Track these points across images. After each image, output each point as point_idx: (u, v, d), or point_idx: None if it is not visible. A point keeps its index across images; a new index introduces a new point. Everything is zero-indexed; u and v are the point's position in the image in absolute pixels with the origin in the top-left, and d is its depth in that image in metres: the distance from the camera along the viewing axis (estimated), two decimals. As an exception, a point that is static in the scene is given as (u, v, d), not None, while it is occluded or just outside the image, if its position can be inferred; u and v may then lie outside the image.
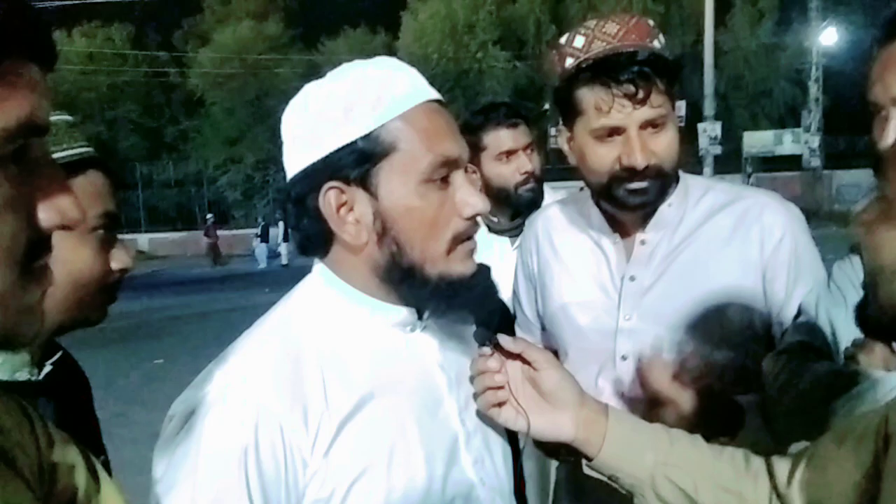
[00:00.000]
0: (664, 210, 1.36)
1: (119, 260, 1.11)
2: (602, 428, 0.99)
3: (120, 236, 1.15)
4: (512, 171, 2.12)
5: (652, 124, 1.27)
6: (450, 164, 0.91)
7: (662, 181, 1.30)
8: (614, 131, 1.27)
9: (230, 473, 0.81)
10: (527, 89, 32.18)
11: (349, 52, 32.57)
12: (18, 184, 0.50)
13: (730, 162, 23.70)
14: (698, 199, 1.38)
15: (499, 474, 1.03)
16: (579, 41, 1.30)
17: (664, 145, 1.28)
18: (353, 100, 0.88)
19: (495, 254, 2.09)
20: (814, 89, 26.32)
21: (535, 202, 2.14)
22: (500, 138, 2.12)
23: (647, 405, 1.28)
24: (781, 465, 0.95)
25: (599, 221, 1.43)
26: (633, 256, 1.38)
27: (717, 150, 21.50)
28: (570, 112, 1.33)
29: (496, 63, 32.24)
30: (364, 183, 0.89)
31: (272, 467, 0.83)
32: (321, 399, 0.87)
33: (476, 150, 2.16)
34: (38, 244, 0.52)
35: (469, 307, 0.99)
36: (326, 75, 0.94)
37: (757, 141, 27.63)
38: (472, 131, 2.17)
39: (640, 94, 1.24)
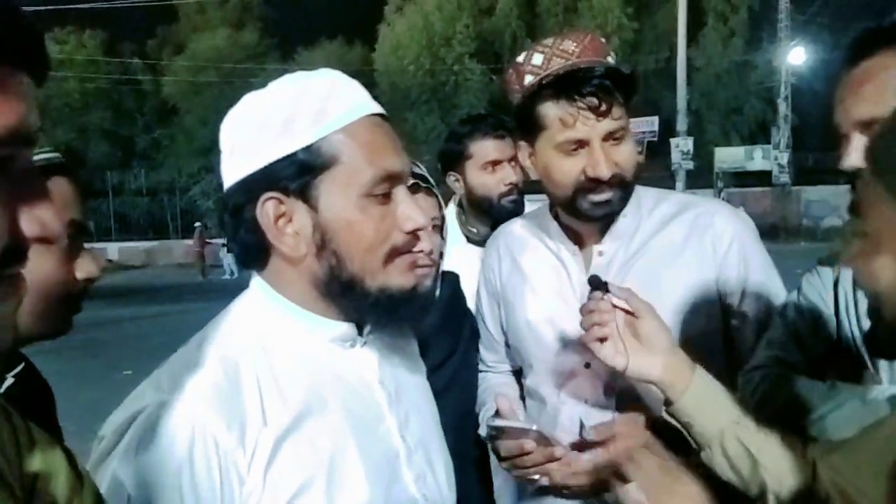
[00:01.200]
0: (619, 221, 1.40)
1: (84, 269, 1.08)
2: (687, 378, 1.09)
3: (89, 245, 1.13)
4: (496, 182, 2.13)
5: (613, 136, 1.30)
6: (392, 179, 0.90)
7: (624, 191, 1.34)
8: (579, 144, 1.30)
9: (164, 493, 0.79)
10: (503, 102, 32.25)
11: (326, 63, 32.24)
12: (1, 192, 0.49)
13: (701, 177, 24.04)
14: (651, 210, 1.42)
15: (441, 490, 1.03)
16: (537, 59, 1.33)
17: (625, 156, 1.32)
18: (294, 111, 0.87)
19: (473, 264, 2.10)
20: (783, 107, 26.88)
21: (516, 213, 2.16)
22: (487, 148, 2.14)
23: (614, 409, 1.35)
24: (823, 454, 0.99)
25: (558, 234, 1.47)
26: (591, 267, 1.41)
27: (689, 165, 21.83)
28: (532, 128, 1.36)
29: (472, 76, 32.42)
30: (304, 195, 0.88)
31: (207, 486, 0.80)
32: (259, 416, 0.85)
33: (461, 158, 2.18)
34: (14, 252, 0.51)
35: (410, 320, 0.98)
36: (268, 85, 0.93)
37: (728, 157, 28.11)
38: (458, 140, 2.19)
39: (603, 107, 1.27)
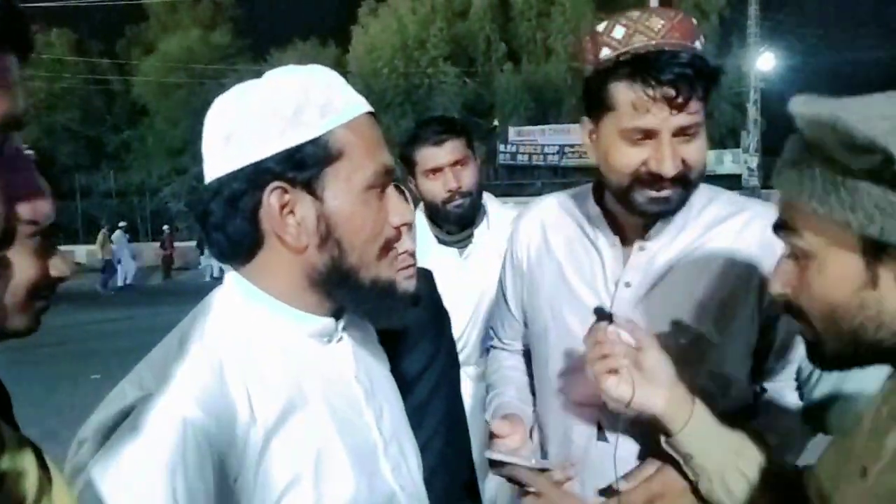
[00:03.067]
0: (666, 219, 1.30)
1: (57, 268, 1.07)
2: (688, 411, 1.11)
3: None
4: (438, 189, 2.13)
5: (685, 131, 1.19)
6: (388, 174, 0.94)
7: (686, 191, 1.23)
8: (646, 134, 1.19)
9: (156, 495, 0.76)
10: (476, 105, 32.49)
11: (299, 64, 32.27)
12: None
13: (673, 180, 24.33)
14: (701, 210, 1.33)
15: (414, 480, 1.05)
16: (619, 32, 1.20)
17: (694, 154, 1.21)
18: (302, 102, 0.88)
19: (442, 265, 2.10)
20: (752, 111, 27.32)
21: (465, 218, 2.17)
22: (426, 155, 2.13)
23: (631, 417, 1.26)
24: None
25: (600, 221, 1.37)
26: (629, 262, 1.32)
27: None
28: (598, 105, 1.24)
29: (446, 79, 32.47)
30: (309, 186, 0.88)
31: (201, 485, 0.79)
32: (247, 412, 0.85)
33: (410, 164, 2.17)
34: (5, 235, 0.50)
35: (393, 315, 1.00)
36: (264, 76, 0.93)
37: (698, 160, 28.40)
38: (405, 146, 2.19)
39: (681, 99, 1.15)
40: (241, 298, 0.94)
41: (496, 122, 31.39)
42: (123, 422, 0.79)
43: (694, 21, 1.22)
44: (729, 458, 1.08)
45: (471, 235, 2.23)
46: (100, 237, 19.07)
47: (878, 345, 0.79)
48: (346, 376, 0.99)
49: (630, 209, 1.26)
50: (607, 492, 1.26)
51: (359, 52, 33.33)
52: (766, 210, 1.32)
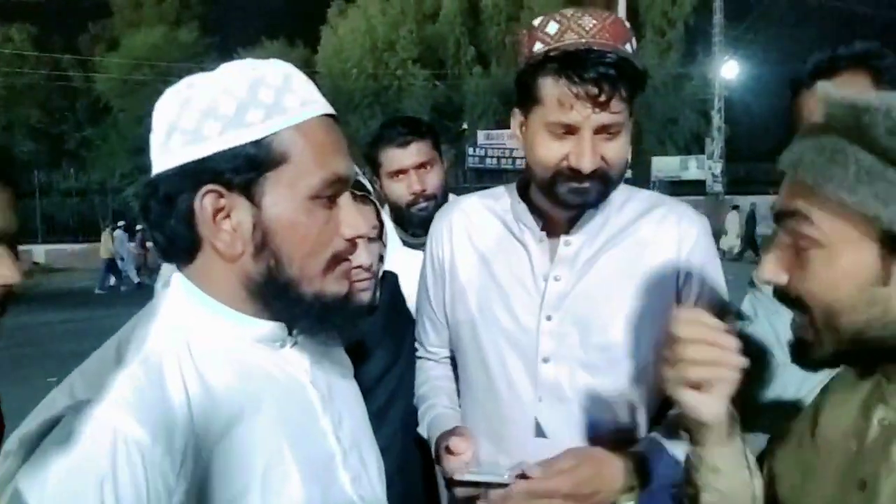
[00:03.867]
0: (589, 213, 1.34)
1: (2, 275, 1.02)
2: (731, 426, 0.93)
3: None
4: (402, 191, 2.10)
5: (607, 129, 1.23)
6: (339, 183, 0.88)
7: (605, 186, 1.28)
8: (569, 129, 1.23)
9: None
10: (445, 108, 32.49)
11: (266, 64, 31.95)
12: None
13: (638, 185, 24.37)
14: (621, 205, 1.38)
15: (375, 490, 1.01)
16: (552, 27, 1.23)
17: (614, 152, 1.25)
18: (247, 101, 0.83)
19: (407, 267, 2.09)
20: (716, 118, 27.78)
21: (429, 221, 2.15)
22: (390, 157, 2.09)
23: (573, 409, 1.30)
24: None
25: (526, 217, 1.39)
26: (557, 257, 1.34)
27: (627, 173, 22.28)
28: (528, 98, 1.27)
29: (415, 81, 32.42)
30: (247, 191, 0.83)
31: (133, 499, 0.74)
32: (187, 421, 0.80)
33: (375, 165, 2.15)
34: None
35: (341, 329, 0.96)
36: (218, 68, 0.87)
37: (664, 166, 28.92)
38: (370, 147, 2.16)
39: (603, 97, 1.19)
40: (185, 301, 0.89)
41: (465, 126, 31.44)
42: (51, 432, 0.75)
43: (626, 24, 1.25)
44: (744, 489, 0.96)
45: None
46: (105, 236, 18.69)
47: (878, 343, 0.77)
48: (300, 381, 0.94)
49: (553, 201, 1.29)
50: (522, 477, 1.24)
51: (327, 53, 33.10)
52: (680, 205, 1.40)
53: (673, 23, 32.39)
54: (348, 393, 1.07)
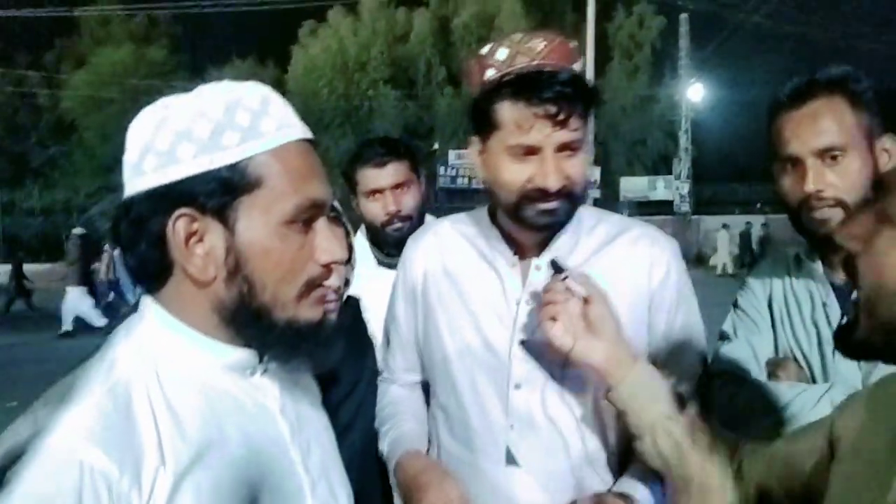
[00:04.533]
0: (559, 237, 1.34)
1: None
2: (627, 367, 1.15)
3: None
4: (378, 210, 2.09)
5: (568, 147, 1.23)
6: (315, 208, 0.87)
7: (572, 204, 1.28)
8: (530, 151, 1.23)
9: None
10: (416, 128, 32.64)
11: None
12: None
13: (608, 205, 24.82)
14: (592, 228, 1.38)
15: None
16: (502, 53, 1.25)
17: (576, 169, 1.25)
18: (222, 124, 0.81)
19: (381, 287, 2.08)
20: (683, 140, 28.31)
21: (404, 241, 2.14)
22: (367, 177, 2.09)
23: (544, 436, 1.29)
24: (748, 456, 1.05)
25: (498, 242, 1.38)
26: (528, 281, 1.34)
27: (597, 193, 22.64)
28: (485, 125, 1.27)
29: (386, 101, 32.56)
30: (221, 215, 0.82)
31: None
32: (155, 451, 0.78)
33: (352, 184, 2.14)
34: None
35: (313, 355, 0.93)
36: (195, 90, 0.86)
37: (633, 186, 29.37)
38: (347, 166, 2.15)
39: (562, 116, 1.20)
40: (154, 326, 0.87)
41: (436, 146, 31.60)
42: (14, 463, 0.72)
43: (572, 45, 1.27)
44: (660, 421, 1.10)
45: None
46: (106, 257, 17.87)
47: None
48: (269, 411, 0.92)
49: (521, 224, 1.29)
50: None
51: (298, 72, 33.12)
52: (650, 229, 1.42)
53: (640, 46, 33.06)
54: (317, 422, 1.05)
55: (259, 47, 34.75)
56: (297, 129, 0.87)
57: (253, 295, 0.83)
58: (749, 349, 1.43)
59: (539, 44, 1.23)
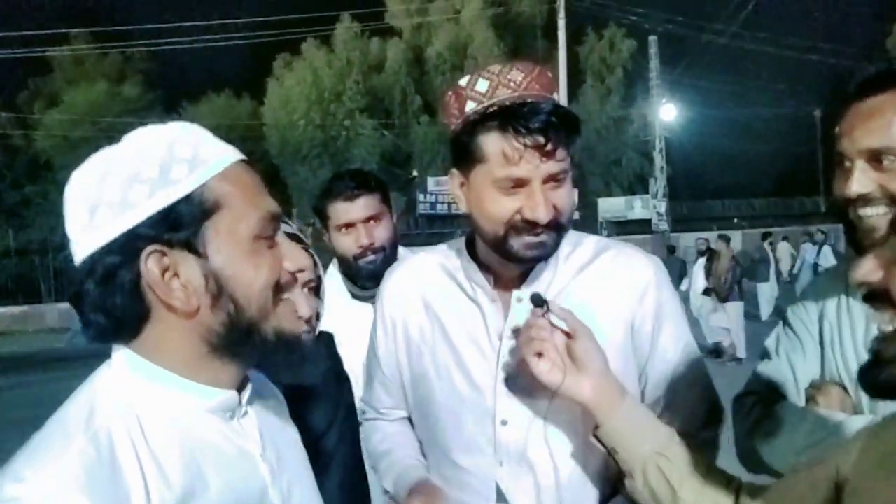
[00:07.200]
0: (539, 267, 1.32)
1: None
2: (615, 402, 1.12)
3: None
4: (350, 244, 2.09)
5: (554, 178, 1.22)
6: (275, 220, 0.89)
7: (559, 235, 1.27)
8: (518, 183, 1.21)
9: None
10: (394, 156, 32.80)
11: (212, 117, 31.86)
12: None
13: (587, 226, 25.09)
14: (568, 255, 1.36)
15: None
16: (482, 85, 1.23)
17: (564, 199, 1.24)
18: (167, 160, 0.82)
19: (356, 320, 2.06)
20: (658, 159, 28.66)
21: (378, 274, 2.12)
22: (338, 210, 2.08)
23: (534, 472, 1.27)
24: (747, 494, 1.00)
25: (476, 275, 1.35)
26: (510, 315, 1.31)
27: (575, 215, 22.73)
28: (468, 158, 1.25)
29: (363, 131, 32.73)
30: (189, 246, 0.82)
31: None
32: (143, 500, 0.77)
33: (323, 218, 2.14)
34: None
35: (300, 367, 0.94)
36: (122, 139, 0.86)
37: (610, 206, 29.66)
38: (319, 199, 2.16)
39: (550, 146, 1.18)
40: (129, 375, 0.86)
41: (415, 173, 31.76)
42: None
43: (550, 75, 1.26)
44: (651, 456, 1.07)
45: None
46: None
47: None
48: (250, 454, 0.91)
49: (507, 257, 1.26)
50: None
51: (274, 105, 33.21)
52: (628, 248, 1.40)
53: (612, 68, 33.62)
54: (297, 462, 1.04)
55: (234, 81, 34.91)
56: (234, 152, 0.89)
57: (240, 313, 0.84)
58: (788, 369, 1.34)
59: (518, 75, 1.22)
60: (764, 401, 1.31)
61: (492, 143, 1.21)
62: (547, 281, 1.33)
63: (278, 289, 0.88)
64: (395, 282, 1.48)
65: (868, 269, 0.75)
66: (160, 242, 0.81)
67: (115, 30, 35.43)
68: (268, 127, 32.90)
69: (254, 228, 0.85)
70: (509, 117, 1.18)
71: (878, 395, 0.78)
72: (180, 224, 0.81)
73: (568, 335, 1.15)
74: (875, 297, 0.75)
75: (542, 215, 1.20)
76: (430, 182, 29.18)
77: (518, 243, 1.23)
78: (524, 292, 1.30)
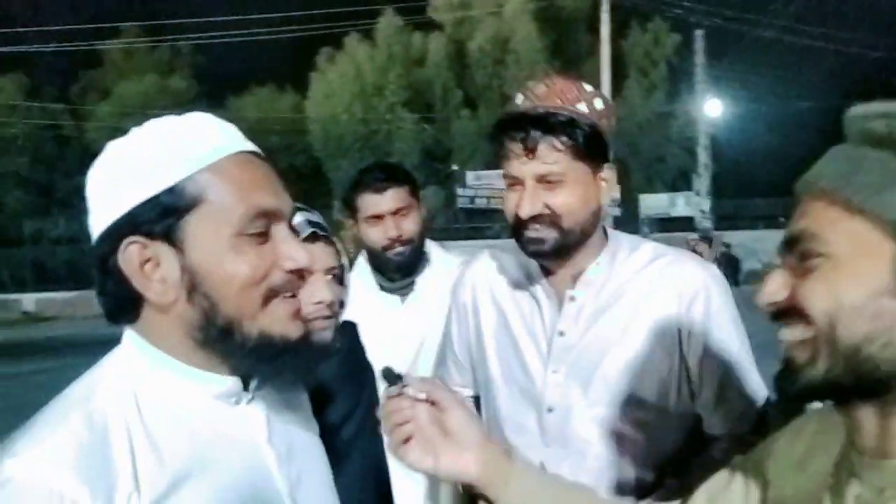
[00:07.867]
0: (592, 268, 1.43)
1: None
2: (505, 471, 0.98)
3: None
4: (378, 236, 2.11)
5: (545, 179, 1.34)
6: (268, 216, 0.87)
7: (560, 234, 1.36)
8: (515, 181, 1.37)
9: None
10: (435, 150, 32.83)
11: (256, 110, 32.39)
12: None
13: (628, 223, 24.79)
14: (624, 260, 1.45)
15: None
16: (519, 97, 1.41)
17: (559, 200, 1.35)
18: (156, 153, 0.84)
19: (383, 311, 2.08)
20: (703, 156, 28.08)
21: (405, 266, 2.14)
22: (366, 202, 2.11)
23: (574, 459, 1.37)
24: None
25: (538, 273, 1.48)
26: (563, 312, 1.44)
27: (616, 211, 22.48)
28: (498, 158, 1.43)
29: (404, 124, 32.79)
30: (169, 238, 0.83)
31: None
32: (129, 479, 0.78)
33: (353, 210, 2.17)
34: None
35: (298, 372, 0.92)
36: (130, 131, 0.89)
37: (653, 203, 29.21)
38: (348, 191, 2.18)
39: (529, 146, 1.32)
40: (134, 355, 0.88)
41: (455, 167, 31.73)
42: None
43: (585, 87, 1.37)
44: None
45: (413, 283, 2.20)
46: None
47: (871, 370, 0.71)
48: (255, 440, 0.92)
49: (523, 250, 1.42)
50: None
51: (317, 98, 33.50)
52: (684, 256, 1.47)
53: (656, 63, 33.06)
54: (310, 449, 1.04)
55: (277, 75, 35.27)
56: (236, 144, 0.88)
57: (216, 311, 0.84)
58: None
59: (542, 88, 1.37)
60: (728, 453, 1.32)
61: (500, 145, 1.39)
62: (601, 283, 1.43)
63: (269, 289, 0.86)
64: (472, 272, 1.65)
65: (773, 290, 0.77)
66: (141, 234, 0.83)
67: (164, 24, 36.17)
68: (311, 120, 33.23)
69: (236, 225, 0.84)
70: (502, 123, 1.38)
71: (794, 399, 0.81)
72: (161, 216, 0.83)
73: (433, 403, 0.99)
74: (783, 314, 0.78)
75: (524, 210, 1.35)
76: (470, 176, 29.10)
77: (522, 238, 1.38)
78: (576, 291, 1.43)
